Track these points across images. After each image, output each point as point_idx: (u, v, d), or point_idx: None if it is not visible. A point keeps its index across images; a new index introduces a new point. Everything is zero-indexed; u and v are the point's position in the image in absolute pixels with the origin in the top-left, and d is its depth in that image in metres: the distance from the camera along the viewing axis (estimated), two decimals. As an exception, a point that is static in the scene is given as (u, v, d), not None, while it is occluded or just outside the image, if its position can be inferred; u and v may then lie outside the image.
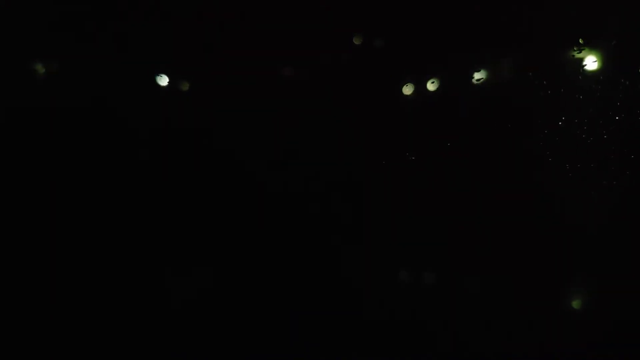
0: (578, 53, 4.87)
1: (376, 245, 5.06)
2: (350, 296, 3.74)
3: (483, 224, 5.03)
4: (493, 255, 4.73)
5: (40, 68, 4.96)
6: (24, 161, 4.77)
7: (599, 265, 4.46)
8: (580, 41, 4.83)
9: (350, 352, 2.83)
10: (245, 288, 3.84)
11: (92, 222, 4.83)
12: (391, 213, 5.24)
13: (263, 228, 5.07)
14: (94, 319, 3.21)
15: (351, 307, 3.49)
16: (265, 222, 5.12)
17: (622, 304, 3.54)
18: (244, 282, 3.98)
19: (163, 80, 5.19)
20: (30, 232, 4.57)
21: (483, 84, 5.15)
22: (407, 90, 5.24)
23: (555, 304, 3.74)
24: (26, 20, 4.82)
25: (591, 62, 4.88)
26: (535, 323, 3.26)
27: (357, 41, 5.03)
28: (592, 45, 4.86)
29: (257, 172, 5.25)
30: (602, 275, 4.28)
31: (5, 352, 2.80)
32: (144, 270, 4.25)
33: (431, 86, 5.22)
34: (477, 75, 5.12)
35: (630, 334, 3.05)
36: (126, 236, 4.77)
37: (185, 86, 5.25)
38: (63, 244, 4.56)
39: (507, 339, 3.05)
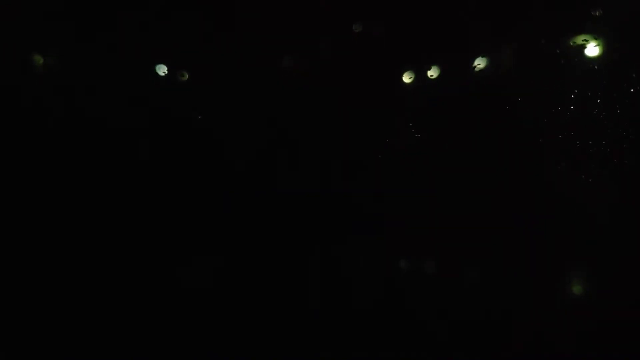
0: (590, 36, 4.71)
1: (377, 238, 5.01)
2: (351, 294, 3.71)
3: (489, 211, 4.92)
4: (502, 246, 4.64)
5: (35, 60, 4.92)
6: (19, 156, 4.81)
7: (612, 254, 4.35)
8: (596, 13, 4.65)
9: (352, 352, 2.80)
10: (245, 288, 3.82)
11: (89, 217, 4.84)
12: (391, 206, 5.16)
13: (264, 224, 5.03)
14: (90, 317, 3.20)
15: (352, 305, 3.46)
16: (266, 217, 5.09)
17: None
18: (244, 282, 3.95)
19: (161, 70, 5.12)
20: (27, 225, 4.63)
21: (485, 69, 4.98)
22: (407, 77, 5.12)
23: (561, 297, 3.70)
24: (21, 13, 4.77)
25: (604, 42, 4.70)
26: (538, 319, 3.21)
27: (356, 29, 4.91)
28: (607, 21, 4.66)
29: (256, 165, 5.23)
30: (618, 266, 4.17)
31: (5, 352, 2.80)
32: (143, 267, 4.24)
33: (431, 73, 5.08)
34: (478, 61, 4.96)
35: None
36: (124, 231, 4.78)
37: (184, 76, 5.18)
38: (61, 240, 4.61)
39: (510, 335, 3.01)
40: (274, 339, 2.94)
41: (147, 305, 3.42)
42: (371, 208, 5.17)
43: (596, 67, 4.79)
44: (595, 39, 4.69)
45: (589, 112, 4.83)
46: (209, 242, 4.79)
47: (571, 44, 4.77)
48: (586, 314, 3.41)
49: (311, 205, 5.09)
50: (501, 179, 4.95)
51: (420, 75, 5.12)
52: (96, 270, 4.08)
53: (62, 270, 4.09)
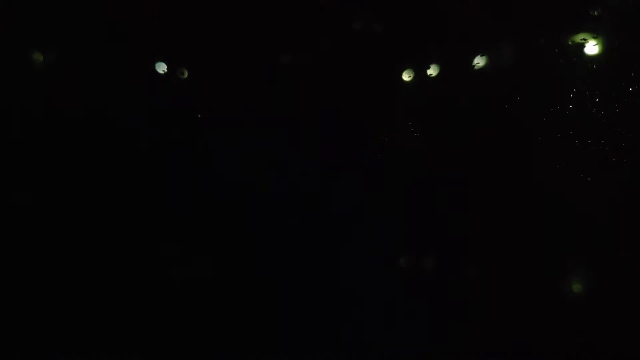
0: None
1: (375, 236, 4.97)
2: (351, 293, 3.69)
3: (487, 210, 4.91)
4: (501, 244, 4.63)
5: (34, 57, 4.90)
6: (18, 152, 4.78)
7: (611, 254, 4.34)
8: (595, 13, 4.64)
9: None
10: (244, 288, 3.80)
11: (87, 214, 4.82)
12: (390, 205, 5.14)
13: (262, 222, 5.01)
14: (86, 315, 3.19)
15: (352, 305, 3.45)
16: (264, 215, 5.06)
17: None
18: (244, 282, 3.93)
19: (161, 68, 5.10)
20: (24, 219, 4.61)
21: (485, 68, 4.97)
22: (407, 76, 5.11)
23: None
24: (19, 9, 4.75)
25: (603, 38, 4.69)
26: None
27: (356, 26, 4.90)
28: (606, 20, 4.65)
29: (255, 163, 5.19)
30: (617, 265, 4.16)
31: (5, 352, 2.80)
32: (142, 265, 4.22)
33: (431, 71, 5.07)
34: (478, 60, 4.95)
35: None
36: (122, 229, 4.75)
37: (183, 74, 5.15)
38: (60, 234, 4.58)
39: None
40: (274, 339, 2.94)
41: (146, 304, 3.41)
42: (369, 206, 5.16)
43: (595, 65, 4.79)
44: (595, 37, 4.69)
45: (588, 111, 4.83)
46: (208, 240, 4.78)
47: (570, 42, 4.77)
48: (585, 313, 3.42)
49: (310, 203, 5.09)
50: (499, 178, 4.95)
51: (419, 73, 5.12)
52: (95, 267, 4.07)
53: (59, 265, 4.07)
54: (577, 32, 4.74)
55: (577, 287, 4.11)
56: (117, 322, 3.10)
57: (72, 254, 4.31)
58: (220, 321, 3.14)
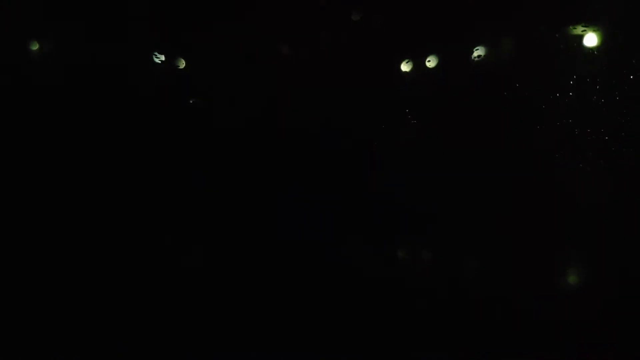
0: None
1: (375, 232, 4.97)
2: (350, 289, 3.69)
3: (486, 199, 4.91)
4: (501, 233, 4.64)
5: (34, 48, 4.87)
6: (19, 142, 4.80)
7: (610, 242, 4.36)
8: None
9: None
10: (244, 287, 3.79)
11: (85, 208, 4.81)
12: (390, 198, 5.14)
13: (260, 217, 5.01)
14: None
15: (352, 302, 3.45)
16: (261, 209, 5.06)
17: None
18: (244, 281, 3.92)
19: (158, 58, 5.06)
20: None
21: (484, 57, 4.94)
22: (406, 67, 5.07)
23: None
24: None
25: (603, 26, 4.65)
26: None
27: (355, 17, 4.85)
28: (607, 8, 4.59)
29: (252, 154, 5.19)
30: (616, 253, 4.17)
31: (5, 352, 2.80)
32: (141, 260, 4.21)
33: (430, 63, 5.03)
34: (477, 49, 4.91)
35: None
36: (122, 224, 4.75)
37: (180, 64, 5.11)
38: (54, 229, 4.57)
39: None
40: (277, 338, 2.95)
41: (144, 302, 3.41)
42: (368, 197, 5.17)
43: (596, 52, 4.75)
44: (595, 25, 4.64)
45: (588, 99, 4.80)
46: (206, 238, 4.78)
47: (571, 30, 4.73)
48: (586, 301, 3.44)
49: (309, 195, 5.09)
50: (499, 167, 4.94)
51: (418, 63, 5.09)
52: (94, 263, 4.06)
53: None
54: (578, 20, 4.70)
55: (574, 278, 4.12)
56: (116, 321, 3.10)
57: (69, 245, 4.34)
58: (220, 321, 3.15)
